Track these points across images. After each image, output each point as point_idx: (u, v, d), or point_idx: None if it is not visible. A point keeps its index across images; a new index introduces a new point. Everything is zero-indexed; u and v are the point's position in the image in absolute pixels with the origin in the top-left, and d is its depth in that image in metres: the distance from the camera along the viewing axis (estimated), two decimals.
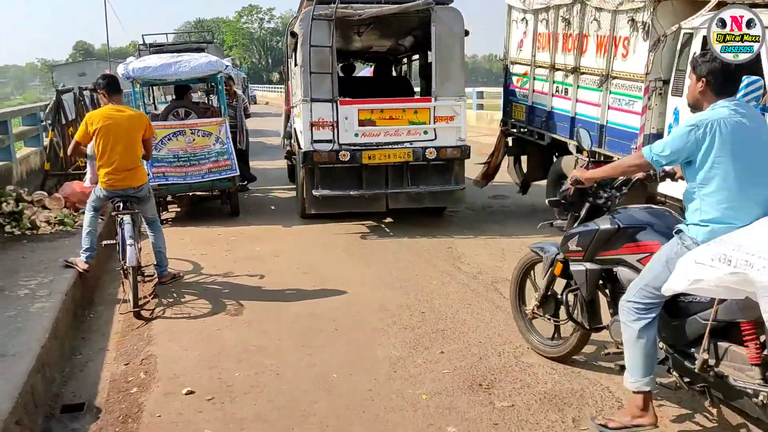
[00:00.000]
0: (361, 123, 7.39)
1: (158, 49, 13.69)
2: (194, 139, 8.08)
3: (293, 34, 7.86)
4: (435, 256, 6.49)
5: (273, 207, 9.34)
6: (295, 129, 8.60)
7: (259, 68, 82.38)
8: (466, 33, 7.65)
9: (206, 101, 11.26)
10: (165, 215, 8.71)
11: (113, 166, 5.25)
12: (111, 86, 5.32)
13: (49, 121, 8.66)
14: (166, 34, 14.55)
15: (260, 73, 79.53)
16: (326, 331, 4.68)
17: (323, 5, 7.19)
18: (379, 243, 7.08)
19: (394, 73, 11.28)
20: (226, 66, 8.17)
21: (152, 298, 5.50)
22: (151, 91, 11.87)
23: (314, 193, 7.41)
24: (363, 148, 7.38)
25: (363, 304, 5.20)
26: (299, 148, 7.84)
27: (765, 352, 2.77)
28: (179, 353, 4.36)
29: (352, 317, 4.92)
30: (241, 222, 8.34)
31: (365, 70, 14.72)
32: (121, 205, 5.39)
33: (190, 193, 8.47)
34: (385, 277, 5.85)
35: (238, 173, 8.37)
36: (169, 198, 8.64)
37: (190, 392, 3.79)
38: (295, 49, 8.03)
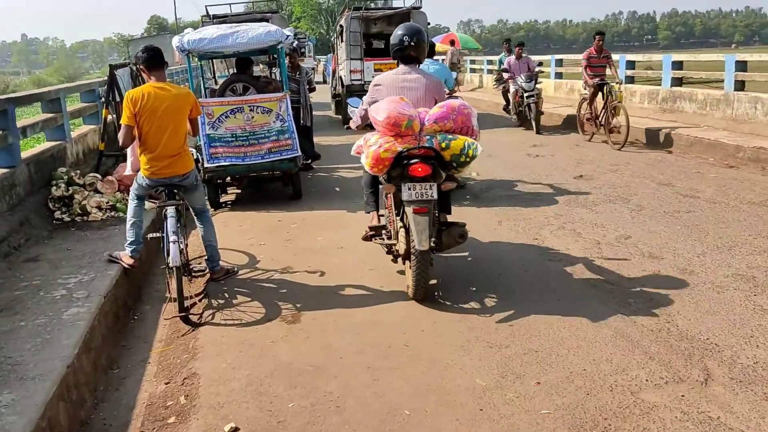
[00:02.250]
0: (375, 70, 13.52)
1: (221, 20, 13.22)
2: (253, 117, 7.47)
3: (341, 26, 15.14)
4: (520, 250, 5.65)
5: (338, 189, 8.67)
6: (340, 76, 15.29)
7: (327, 39, 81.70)
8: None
9: (268, 75, 10.64)
10: (224, 198, 8.20)
11: (156, 152, 4.66)
12: (151, 60, 4.69)
13: (104, 99, 8.22)
14: (230, 4, 13.94)
15: (328, 44, 78.85)
16: (396, 347, 3.96)
17: (356, 11, 14.49)
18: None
19: None
20: (287, 36, 7.46)
21: (201, 299, 4.93)
22: (211, 64, 11.34)
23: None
24: None
25: (439, 312, 4.44)
26: (342, 85, 14.83)
27: None
28: (226, 372, 3.75)
29: (427, 329, 4.19)
30: (304, 206, 7.71)
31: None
32: (165, 194, 4.81)
33: (250, 175, 7.86)
34: (464, 275, 5.08)
35: (300, 153, 7.73)
36: (228, 180, 8.08)
37: (234, 430, 3.16)
38: (341, 33, 15.19)
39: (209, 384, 3.63)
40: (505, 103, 14.81)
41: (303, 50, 20.19)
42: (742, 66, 10.95)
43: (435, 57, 9.20)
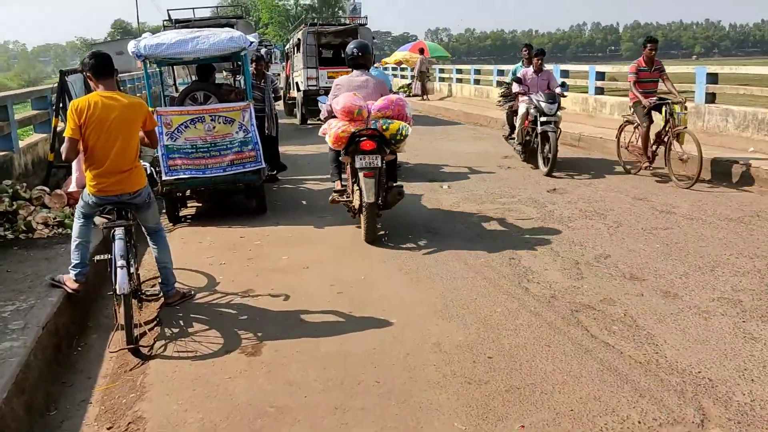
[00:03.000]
0: (329, 77, 15.36)
1: (184, 25, 12.75)
2: (215, 127, 7.06)
3: (298, 39, 17.00)
4: (496, 272, 5.36)
5: (304, 202, 8.30)
6: (297, 82, 17.53)
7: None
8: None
9: (232, 83, 10.23)
10: (183, 212, 7.76)
11: (104, 167, 4.24)
12: (99, 67, 4.28)
13: (54, 107, 7.73)
14: (193, 9, 13.45)
15: None
16: (366, 383, 3.63)
17: (312, 26, 16.38)
18: (426, 253, 5.98)
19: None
20: (251, 42, 7.09)
21: (153, 326, 4.52)
22: (172, 71, 10.88)
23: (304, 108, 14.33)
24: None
25: (412, 341, 4.12)
26: (298, 89, 17.17)
27: None
28: (176, 415, 3.36)
29: (399, 362, 3.85)
30: (268, 221, 7.33)
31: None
32: (115, 214, 4.40)
33: (211, 188, 7.44)
34: (437, 302, 4.76)
35: (265, 165, 7.36)
36: (188, 193, 7.65)
37: None
38: (297, 45, 17.09)
39: (157, 429, 3.25)
40: (508, 127, 11.11)
41: (269, 57, 19.87)
42: (712, 78, 10.92)
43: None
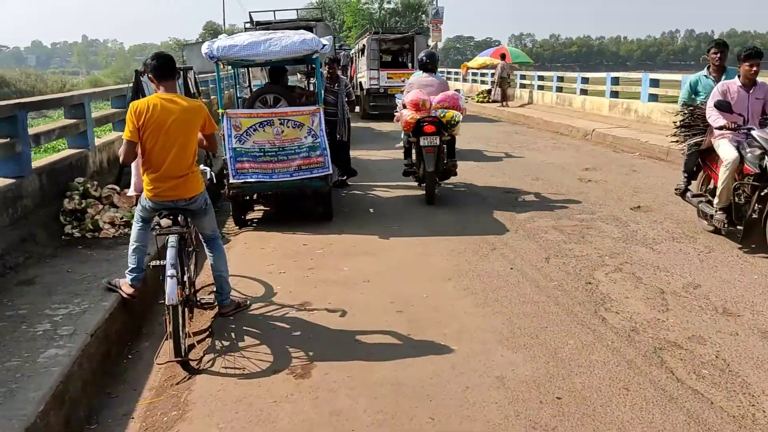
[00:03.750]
0: (388, 78, 18.85)
1: (264, 27, 12.83)
2: (283, 131, 6.93)
3: (363, 45, 19.77)
4: (570, 298, 4.93)
5: (371, 210, 8.07)
6: (360, 82, 19.77)
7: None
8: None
9: (306, 86, 10.15)
10: (250, 215, 7.68)
11: (160, 172, 4.12)
12: (160, 69, 4.16)
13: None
14: (274, 11, 13.52)
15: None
16: (419, 418, 3.32)
17: (375, 35, 19.45)
18: (496, 271, 5.61)
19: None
20: (324, 45, 6.91)
21: (205, 337, 4.37)
22: (247, 73, 10.91)
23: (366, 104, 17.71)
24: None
25: (472, 372, 3.78)
26: (362, 88, 19.37)
27: None
28: None
29: (457, 396, 3.52)
30: (333, 228, 7.13)
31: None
32: (170, 219, 4.27)
33: (278, 193, 7.32)
34: (503, 328, 4.39)
35: (332, 171, 7.17)
36: (255, 196, 7.56)
37: None
38: (362, 50, 19.88)
39: None
40: (685, 176, 7.04)
41: (348, 61, 20.08)
42: None
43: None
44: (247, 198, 7.42)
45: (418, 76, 8.49)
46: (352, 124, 10.08)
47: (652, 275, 5.42)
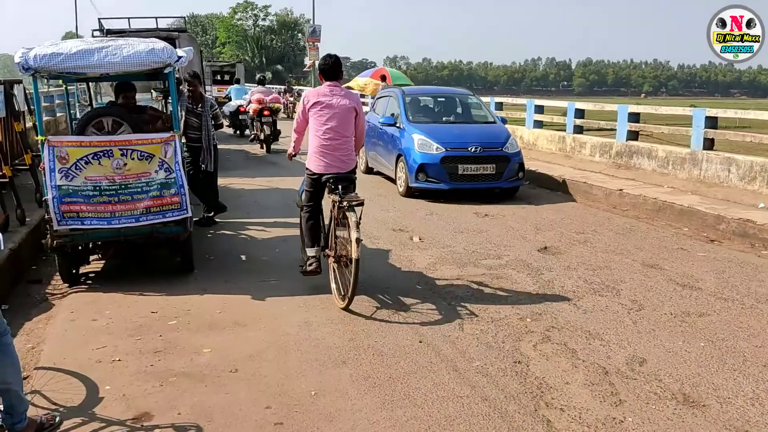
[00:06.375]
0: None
1: (118, 36, 11.05)
2: (126, 164, 5.43)
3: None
4: (500, 389, 3.84)
5: (243, 257, 6.68)
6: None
7: (252, 66, 79.54)
8: None
9: (163, 106, 8.60)
10: (84, 269, 6.06)
11: None
12: None
13: None
14: (129, 18, 11.73)
15: (253, 71, 76.59)
16: None
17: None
18: (402, 347, 4.46)
19: None
20: (179, 57, 5.51)
21: None
22: (89, 90, 9.16)
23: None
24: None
25: None
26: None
27: None
28: None
29: None
30: (194, 285, 5.70)
31: None
32: None
33: (121, 241, 5.75)
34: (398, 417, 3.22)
35: (191, 214, 5.74)
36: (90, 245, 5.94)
37: None
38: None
39: None
40: None
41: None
42: (712, 122, 9.81)
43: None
44: (80, 247, 5.80)
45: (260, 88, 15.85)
46: (221, 146, 8.66)
47: (587, 346, 4.48)
